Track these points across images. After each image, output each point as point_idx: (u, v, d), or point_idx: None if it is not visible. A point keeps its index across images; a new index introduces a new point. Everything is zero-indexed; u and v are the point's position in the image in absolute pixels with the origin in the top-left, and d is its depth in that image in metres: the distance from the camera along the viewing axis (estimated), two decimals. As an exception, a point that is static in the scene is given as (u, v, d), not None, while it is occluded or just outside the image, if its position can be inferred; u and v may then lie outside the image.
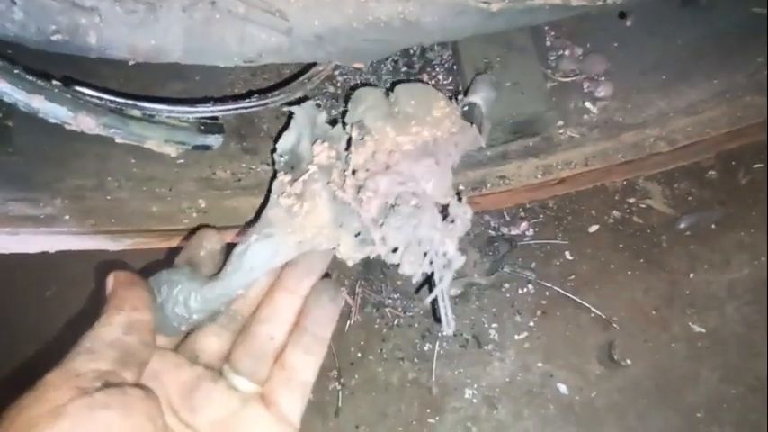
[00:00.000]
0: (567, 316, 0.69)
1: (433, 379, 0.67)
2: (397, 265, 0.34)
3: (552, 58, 0.54)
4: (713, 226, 0.69)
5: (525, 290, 0.69)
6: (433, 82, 0.54)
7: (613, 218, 0.70)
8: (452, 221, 0.35)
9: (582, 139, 0.53)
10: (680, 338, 0.67)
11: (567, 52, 0.54)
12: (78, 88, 0.34)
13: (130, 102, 0.36)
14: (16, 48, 0.32)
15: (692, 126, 0.52)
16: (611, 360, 0.68)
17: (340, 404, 0.67)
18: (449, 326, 0.35)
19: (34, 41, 0.31)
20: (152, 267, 0.35)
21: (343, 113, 0.40)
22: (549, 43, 0.55)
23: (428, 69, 0.55)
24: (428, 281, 0.37)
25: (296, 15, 0.34)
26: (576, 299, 0.68)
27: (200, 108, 0.39)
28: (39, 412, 0.24)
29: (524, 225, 0.70)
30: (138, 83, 0.45)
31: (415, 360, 0.68)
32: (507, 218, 0.70)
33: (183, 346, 0.36)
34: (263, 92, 0.43)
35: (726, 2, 0.51)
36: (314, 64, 0.42)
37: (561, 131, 0.53)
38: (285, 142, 0.39)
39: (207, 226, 0.40)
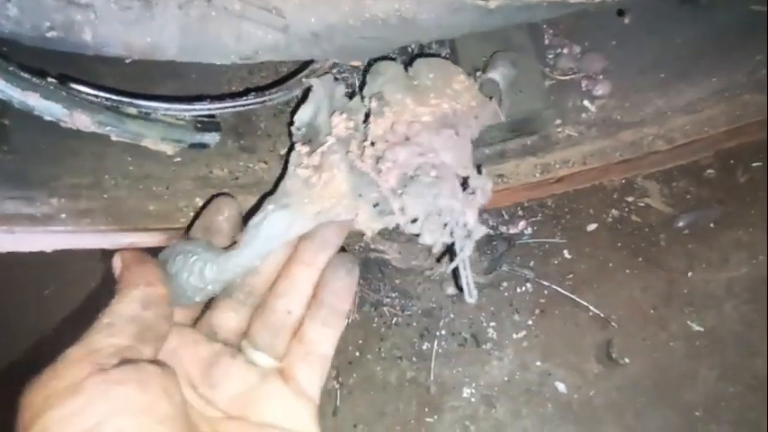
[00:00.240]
0: (565, 315, 0.69)
1: (432, 378, 0.67)
2: (417, 235, 0.34)
3: (550, 56, 0.54)
4: (711, 225, 0.69)
5: (524, 288, 0.69)
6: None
7: (612, 216, 0.70)
8: (472, 192, 0.35)
9: (580, 137, 0.53)
10: (678, 337, 0.67)
11: (565, 50, 0.54)
12: (74, 86, 0.34)
13: (126, 99, 0.36)
14: (11, 44, 0.32)
15: (691, 124, 0.52)
16: (609, 359, 0.68)
17: (338, 403, 0.67)
18: (470, 295, 0.35)
19: (29, 38, 0.31)
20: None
21: (361, 86, 0.40)
22: (547, 41, 0.54)
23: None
24: (449, 251, 0.38)
25: (292, 13, 0.34)
26: (575, 297, 0.68)
27: (197, 106, 0.39)
28: (56, 388, 0.25)
29: (523, 224, 0.70)
30: (134, 80, 0.45)
31: (414, 359, 0.68)
32: (506, 216, 0.70)
33: (201, 323, 0.36)
34: (260, 90, 0.43)
35: (725, 0, 0.51)
36: (311, 61, 0.42)
37: (559, 130, 0.53)
38: (303, 114, 0.39)
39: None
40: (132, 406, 0.25)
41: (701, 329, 0.68)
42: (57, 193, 0.44)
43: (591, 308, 0.68)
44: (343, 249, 0.38)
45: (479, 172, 0.36)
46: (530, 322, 0.69)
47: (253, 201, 0.48)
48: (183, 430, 0.26)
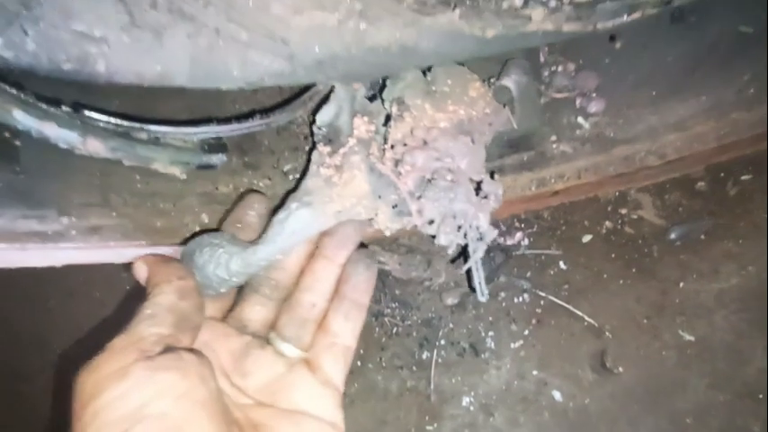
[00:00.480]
0: (561, 324, 0.70)
1: (432, 387, 0.68)
2: (433, 237, 0.36)
3: (546, 74, 0.55)
4: (702, 236, 0.71)
5: (521, 299, 0.71)
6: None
7: (606, 228, 0.71)
8: (485, 197, 0.37)
9: (575, 153, 0.54)
10: (670, 346, 0.69)
11: (560, 68, 0.56)
12: (87, 113, 0.35)
13: (137, 125, 0.37)
14: (22, 74, 0.33)
15: (682, 141, 0.53)
16: (603, 367, 0.70)
17: (340, 411, 0.69)
18: (482, 294, 0.37)
19: (45, 70, 0.32)
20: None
21: (381, 89, 0.41)
22: (542, 59, 0.56)
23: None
24: (463, 252, 0.39)
25: (297, 42, 0.35)
26: (570, 308, 0.70)
27: (205, 129, 0.40)
28: (105, 373, 0.27)
29: (519, 235, 0.71)
30: (140, 99, 0.47)
31: (414, 368, 0.69)
32: (503, 228, 0.71)
33: (232, 318, 0.38)
34: (264, 111, 0.44)
35: (714, 20, 0.53)
36: (314, 84, 0.43)
37: (555, 146, 0.54)
38: (324, 115, 0.40)
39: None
40: (174, 390, 0.27)
41: (692, 339, 0.70)
42: (67, 211, 0.45)
43: (586, 318, 0.70)
44: (362, 246, 0.39)
45: (492, 177, 0.38)
46: (527, 332, 0.70)
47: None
48: (217, 414, 0.28)
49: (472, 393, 0.69)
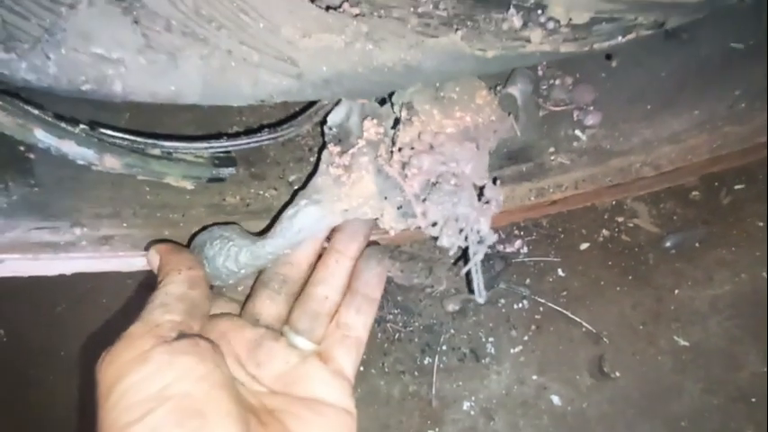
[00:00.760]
0: (559, 330, 0.72)
1: (433, 392, 0.70)
2: (436, 238, 0.37)
3: (544, 87, 0.57)
4: (697, 244, 0.73)
5: (520, 305, 0.72)
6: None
7: (603, 236, 0.73)
8: (487, 202, 0.38)
9: (572, 164, 0.55)
10: (666, 351, 0.70)
11: (557, 82, 0.57)
12: (103, 131, 0.37)
13: (150, 141, 0.39)
14: (40, 93, 0.34)
15: (676, 153, 0.55)
16: (601, 372, 0.71)
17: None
18: (480, 295, 0.38)
19: (65, 90, 0.34)
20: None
21: (391, 94, 0.42)
22: (540, 73, 0.58)
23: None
24: (463, 255, 0.40)
25: (305, 62, 0.37)
26: (568, 314, 0.71)
27: (215, 144, 0.42)
28: (127, 359, 0.28)
29: (519, 243, 0.73)
30: (150, 113, 0.48)
31: (416, 373, 0.71)
32: (502, 236, 0.73)
33: (245, 312, 0.39)
34: (272, 126, 0.46)
35: (706, 37, 0.55)
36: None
37: (553, 158, 0.55)
38: (335, 116, 0.42)
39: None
40: (194, 373, 0.28)
41: (687, 344, 0.71)
42: (79, 222, 0.46)
43: (584, 324, 0.71)
44: (374, 243, 0.41)
45: (494, 183, 0.39)
46: (526, 338, 0.72)
47: (263, 226, 0.50)
48: (232, 397, 0.29)
49: (473, 398, 0.71)
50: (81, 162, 0.35)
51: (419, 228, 0.37)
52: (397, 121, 0.40)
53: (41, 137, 0.32)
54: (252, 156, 0.54)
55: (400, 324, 0.73)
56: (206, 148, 0.41)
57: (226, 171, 0.44)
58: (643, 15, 0.38)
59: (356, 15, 0.35)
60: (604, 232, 0.73)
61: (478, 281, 0.38)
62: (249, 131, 0.44)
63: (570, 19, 0.36)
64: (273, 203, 0.53)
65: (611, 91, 0.55)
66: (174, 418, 0.26)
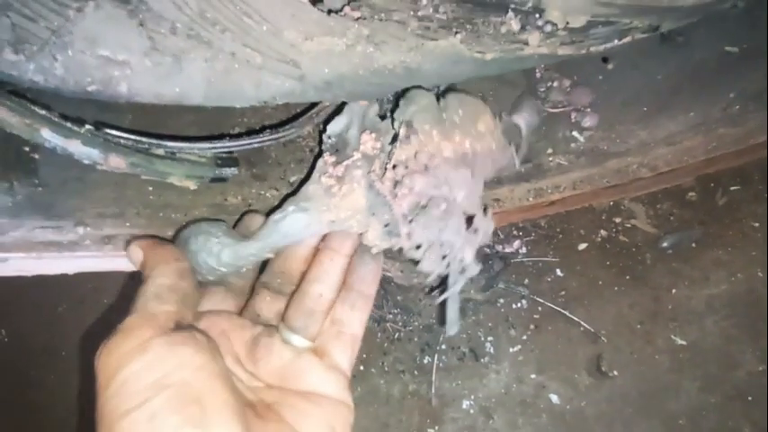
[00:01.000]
0: (558, 330, 0.72)
1: (433, 391, 0.70)
2: (417, 262, 0.37)
3: (542, 89, 0.58)
4: (693, 244, 0.74)
5: (519, 305, 0.73)
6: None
7: (601, 236, 0.73)
8: (475, 231, 0.37)
9: (570, 165, 0.56)
10: (663, 351, 0.71)
11: (555, 84, 0.58)
12: (108, 131, 0.37)
13: (155, 141, 0.39)
14: (46, 94, 0.35)
15: (672, 154, 0.56)
16: (599, 371, 0.72)
17: (342, 415, 0.70)
18: (452, 328, 0.37)
19: (71, 92, 0.34)
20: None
21: (393, 110, 0.42)
22: (538, 75, 0.58)
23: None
24: (442, 283, 0.39)
25: (308, 64, 0.37)
26: (567, 313, 0.72)
27: (218, 144, 0.42)
28: (126, 349, 0.28)
29: (517, 243, 0.73)
30: (154, 114, 0.49)
31: (415, 373, 0.71)
32: (501, 236, 0.73)
33: (246, 310, 0.40)
34: (274, 127, 0.46)
35: (701, 40, 0.55)
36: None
37: (551, 159, 0.56)
38: (335, 126, 0.41)
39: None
40: (193, 362, 0.29)
41: (684, 343, 0.72)
42: (83, 221, 0.46)
43: (582, 323, 0.72)
44: None
45: (485, 213, 0.39)
46: (525, 337, 0.72)
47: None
48: (230, 387, 0.30)
49: (472, 397, 0.71)
50: (86, 161, 0.36)
51: (402, 249, 0.37)
52: (395, 138, 0.40)
53: (48, 136, 0.33)
54: (253, 157, 0.55)
55: (400, 324, 0.74)
56: (209, 149, 0.41)
57: (228, 171, 0.44)
58: (638, 19, 0.39)
59: (357, 19, 0.36)
60: (602, 233, 0.74)
61: (453, 311, 0.37)
62: (251, 132, 0.45)
63: (567, 22, 0.37)
64: (275, 204, 0.53)
65: (608, 93, 0.56)
66: (173, 405, 0.27)
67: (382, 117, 0.43)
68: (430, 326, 0.73)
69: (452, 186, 0.37)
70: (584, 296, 0.72)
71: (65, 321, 0.73)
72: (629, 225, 0.74)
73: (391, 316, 0.73)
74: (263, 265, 0.42)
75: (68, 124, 0.34)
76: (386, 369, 0.72)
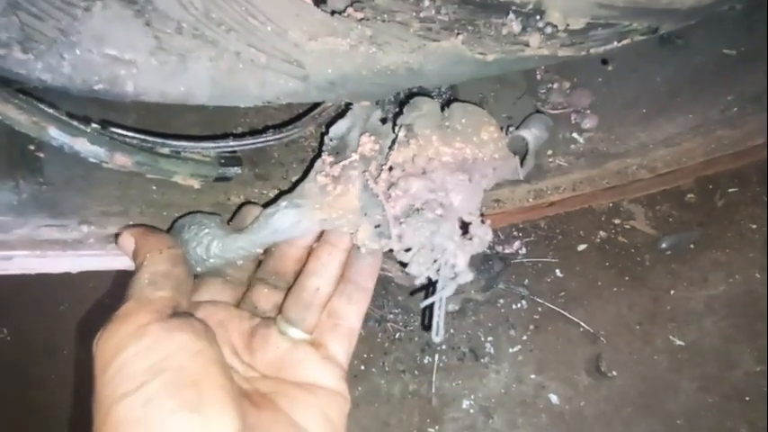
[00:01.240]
0: (557, 330, 0.73)
1: (433, 390, 0.70)
2: (404, 265, 0.36)
3: (542, 91, 0.58)
4: (692, 246, 0.74)
5: (519, 305, 0.73)
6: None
7: (600, 238, 0.74)
8: (470, 238, 0.37)
9: (570, 166, 0.57)
10: (662, 351, 0.71)
11: (555, 86, 0.59)
12: (114, 129, 0.38)
13: (159, 140, 0.40)
14: (52, 93, 0.35)
15: (671, 156, 0.56)
16: (598, 372, 0.72)
17: (343, 414, 0.71)
18: (437, 334, 0.36)
19: (78, 90, 0.35)
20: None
21: (396, 115, 0.42)
22: (539, 77, 0.59)
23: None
24: (427, 288, 0.38)
25: (312, 64, 0.38)
26: (566, 314, 0.72)
27: (222, 144, 0.43)
28: (124, 334, 0.29)
29: (517, 244, 0.74)
30: (157, 113, 0.49)
31: (416, 372, 0.71)
32: (501, 237, 0.74)
33: (244, 302, 0.40)
34: (277, 127, 0.47)
35: (700, 43, 0.56)
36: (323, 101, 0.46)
37: (551, 160, 0.57)
38: (338, 128, 0.41)
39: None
40: (189, 348, 0.29)
41: (683, 344, 0.72)
42: (87, 220, 0.47)
43: (581, 324, 0.72)
44: None
45: (482, 222, 0.38)
46: (524, 337, 0.73)
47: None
48: (226, 373, 0.30)
49: (472, 396, 0.71)
50: (92, 160, 0.36)
51: (392, 251, 0.37)
52: (394, 141, 0.40)
53: (55, 135, 0.33)
54: (256, 156, 0.55)
55: (400, 324, 0.74)
56: (213, 148, 0.42)
57: (232, 170, 0.45)
58: (637, 21, 0.39)
59: (360, 20, 0.36)
60: (601, 234, 0.75)
61: (439, 318, 0.36)
62: (254, 132, 0.45)
63: (567, 24, 0.38)
64: (277, 203, 0.54)
65: (607, 95, 0.57)
66: (169, 389, 0.27)
67: (384, 121, 0.43)
68: (431, 326, 0.73)
69: (449, 191, 0.37)
70: (584, 297, 0.73)
71: (66, 320, 0.73)
72: (628, 226, 0.74)
73: (392, 316, 0.73)
74: (260, 263, 0.42)
75: (75, 123, 0.35)
76: (386, 369, 0.72)
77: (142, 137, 0.39)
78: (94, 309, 0.71)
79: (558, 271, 0.74)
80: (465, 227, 0.38)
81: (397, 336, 0.73)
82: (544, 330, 0.72)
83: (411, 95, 0.44)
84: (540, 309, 0.73)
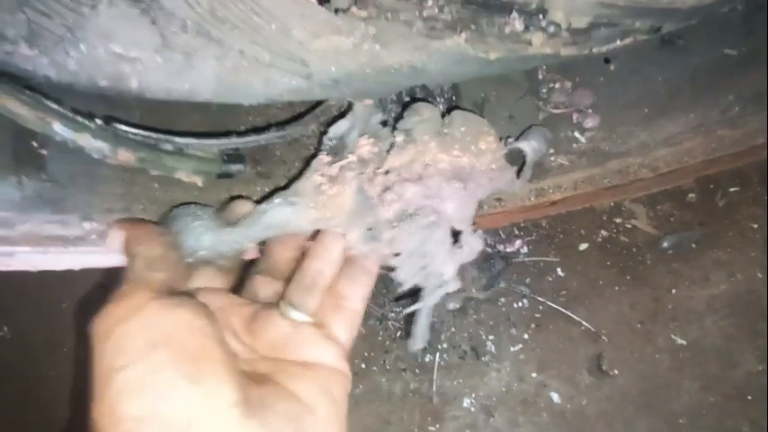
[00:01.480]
0: (559, 329, 0.73)
1: (434, 389, 0.70)
2: (391, 270, 0.37)
3: (544, 90, 0.58)
4: (693, 245, 0.74)
5: (520, 304, 0.73)
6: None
7: (601, 237, 0.74)
8: (461, 247, 0.37)
9: (571, 165, 0.57)
10: (663, 350, 0.71)
11: (557, 85, 0.59)
12: (118, 125, 0.38)
13: (163, 137, 0.40)
14: (56, 88, 0.35)
15: (672, 155, 0.56)
16: (599, 370, 0.72)
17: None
18: (416, 343, 0.36)
19: (83, 86, 0.35)
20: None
21: (397, 119, 0.42)
22: (540, 77, 0.59)
23: (429, 100, 0.59)
24: (412, 294, 0.38)
25: (315, 62, 0.38)
26: (568, 313, 0.72)
27: (225, 141, 0.43)
28: (122, 312, 0.28)
29: (519, 243, 0.74)
30: (161, 112, 0.49)
31: (417, 371, 0.71)
32: (503, 236, 0.74)
33: (245, 291, 0.40)
34: (279, 124, 0.47)
35: (701, 44, 0.56)
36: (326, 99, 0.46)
37: (552, 159, 0.57)
38: (337, 128, 0.41)
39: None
40: (189, 325, 0.29)
41: (684, 343, 0.72)
42: (90, 217, 0.47)
43: (583, 322, 0.72)
44: None
45: (475, 231, 0.38)
46: (526, 336, 0.73)
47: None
48: (226, 350, 0.30)
49: (473, 395, 0.71)
50: (96, 156, 0.36)
51: (382, 254, 0.37)
52: (393, 145, 0.40)
53: (59, 130, 0.33)
54: (259, 155, 0.55)
55: (401, 322, 0.74)
56: (216, 145, 0.42)
57: (235, 168, 0.45)
58: (639, 21, 0.40)
59: (364, 18, 0.36)
60: (603, 233, 0.75)
61: (422, 326, 0.36)
62: (258, 130, 0.46)
63: (570, 23, 0.38)
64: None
65: (609, 95, 0.57)
66: (170, 361, 0.27)
67: (384, 123, 0.43)
68: (431, 324, 0.73)
69: (443, 198, 0.37)
70: (585, 296, 0.73)
71: (67, 318, 0.73)
72: (629, 226, 0.75)
73: (393, 314, 0.74)
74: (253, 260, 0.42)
75: (79, 118, 0.35)
76: (387, 367, 0.72)
77: (146, 133, 0.39)
78: (96, 307, 0.71)
79: (559, 270, 0.75)
80: (456, 235, 0.37)
81: (398, 334, 0.73)
82: (545, 329, 0.72)
83: (413, 99, 0.44)
84: (541, 307, 0.73)
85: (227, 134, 0.43)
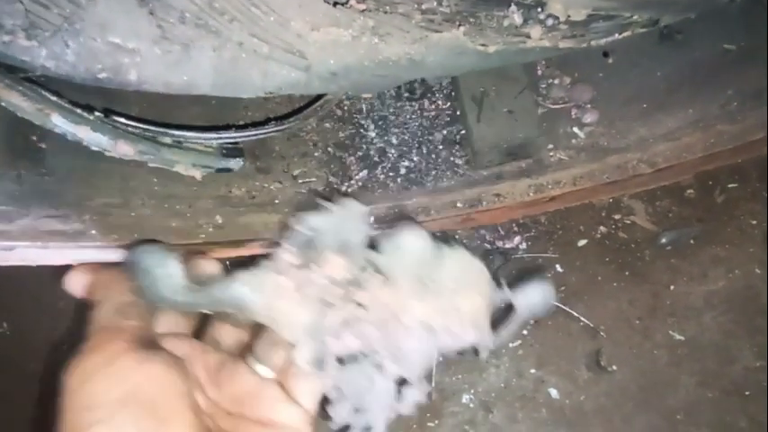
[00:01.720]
0: (557, 325, 0.73)
1: (433, 385, 0.70)
2: (324, 401, 0.36)
3: (543, 86, 0.59)
4: (692, 241, 0.74)
5: (519, 300, 0.73)
6: (432, 107, 0.59)
7: (600, 233, 0.74)
8: (399, 398, 0.36)
9: (570, 161, 0.57)
10: (661, 346, 0.71)
11: (556, 81, 0.59)
12: (117, 118, 0.38)
13: (162, 129, 0.40)
14: (55, 81, 0.35)
15: (671, 150, 0.56)
16: (598, 366, 0.72)
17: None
18: None
19: (81, 78, 0.35)
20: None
21: (373, 246, 0.38)
22: (540, 72, 0.59)
23: (428, 95, 0.59)
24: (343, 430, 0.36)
25: (314, 55, 0.38)
26: (567, 309, 0.72)
27: (224, 134, 0.43)
28: (95, 362, 0.29)
29: (518, 239, 0.74)
30: (161, 106, 0.49)
31: (415, 367, 0.71)
32: (501, 232, 0.74)
33: (206, 336, 0.40)
34: (278, 118, 0.47)
35: (700, 38, 0.56)
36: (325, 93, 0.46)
37: (551, 154, 0.57)
38: (317, 222, 0.37)
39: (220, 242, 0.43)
40: (158, 381, 0.29)
41: (683, 339, 0.72)
42: (89, 211, 0.47)
43: (581, 318, 0.72)
44: None
45: (419, 384, 0.36)
46: (525, 332, 0.73)
47: (268, 218, 0.51)
48: (193, 409, 0.30)
49: (472, 391, 0.71)
50: (95, 148, 0.36)
51: (323, 381, 0.36)
52: (366, 276, 0.36)
53: (58, 122, 0.33)
54: (258, 150, 0.55)
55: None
56: (215, 139, 0.42)
57: (234, 162, 0.45)
58: (638, 13, 0.40)
59: (363, 11, 0.36)
60: (602, 229, 0.75)
61: None
62: (256, 123, 0.46)
63: (569, 16, 0.38)
64: (278, 196, 0.54)
65: (608, 90, 0.57)
66: (138, 421, 0.27)
67: (371, 246, 0.38)
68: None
69: (399, 357, 0.35)
70: (584, 292, 0.73)
71: (66, 315, 0.73)
72: (628, 222, 0.75)
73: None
74: None
75: (78, 111, 0.35)
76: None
77: (145, 126, 0.39)
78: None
79: (558, 266, 0.74)
80: (401, 382, 0.36)
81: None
82: (544, 325, 0.72)
83: (401, 229, 0.37)
84: (540, 304, 0.73)
85: (226, 128, 0.43)
